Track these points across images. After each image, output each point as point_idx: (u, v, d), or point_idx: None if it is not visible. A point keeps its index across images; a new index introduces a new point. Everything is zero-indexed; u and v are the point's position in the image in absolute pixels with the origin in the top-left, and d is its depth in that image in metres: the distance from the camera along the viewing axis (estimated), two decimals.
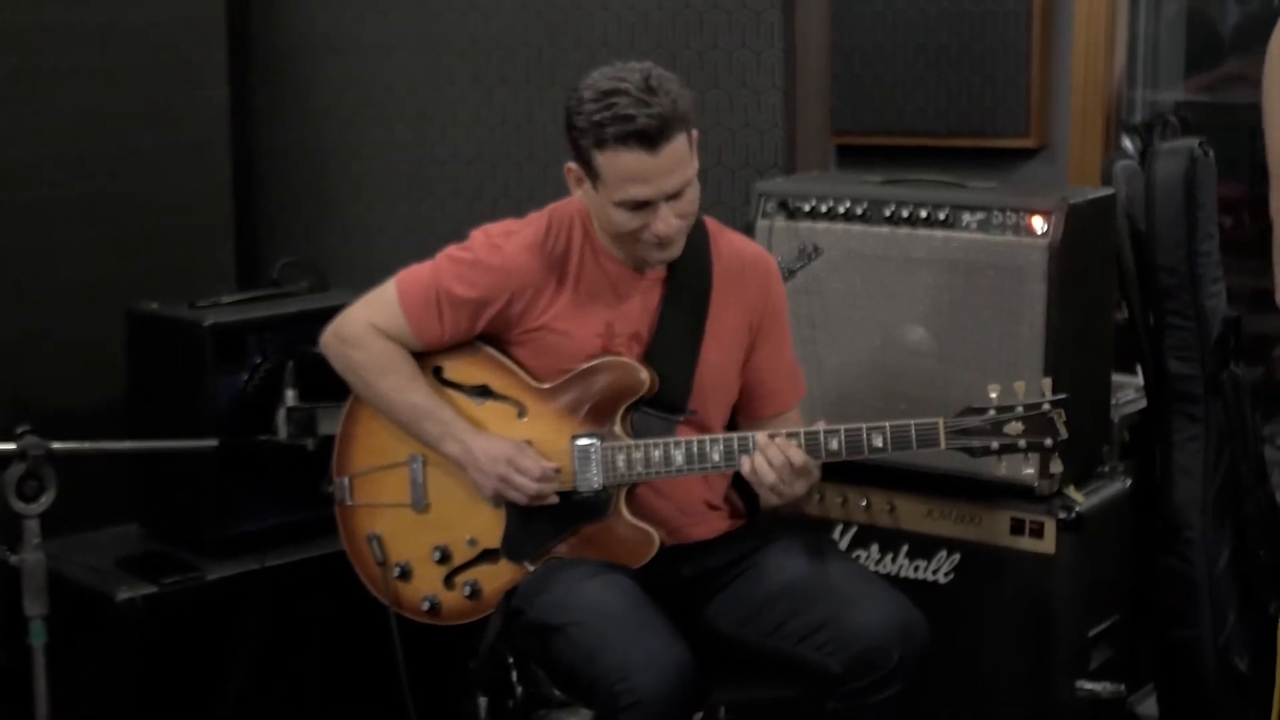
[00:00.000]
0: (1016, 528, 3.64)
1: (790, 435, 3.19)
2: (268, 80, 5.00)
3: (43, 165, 4.34)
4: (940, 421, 3.15)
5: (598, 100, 3.10)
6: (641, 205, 3.13)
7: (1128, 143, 4.55)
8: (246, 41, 4.98)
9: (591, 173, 3.16)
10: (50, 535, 3.52)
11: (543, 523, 3.30)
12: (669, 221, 3.14)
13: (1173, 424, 3.94)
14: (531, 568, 3.30)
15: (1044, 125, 4.46)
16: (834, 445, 3.19)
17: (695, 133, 3.19)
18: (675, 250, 3.24)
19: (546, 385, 3.32)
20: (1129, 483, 3.83)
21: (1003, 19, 4.40)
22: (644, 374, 3.27)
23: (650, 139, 3.07)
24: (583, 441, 3.27)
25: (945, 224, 3.67)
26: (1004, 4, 4.39)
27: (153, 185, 4.64)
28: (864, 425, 3.18)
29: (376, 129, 4.87)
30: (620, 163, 3.10)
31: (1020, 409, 3.15)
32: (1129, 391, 4.05)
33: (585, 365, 3.29)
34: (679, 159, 3.12)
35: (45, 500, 3.46)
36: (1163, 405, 3.95)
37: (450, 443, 3.31)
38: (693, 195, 3.18)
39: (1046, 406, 3.14)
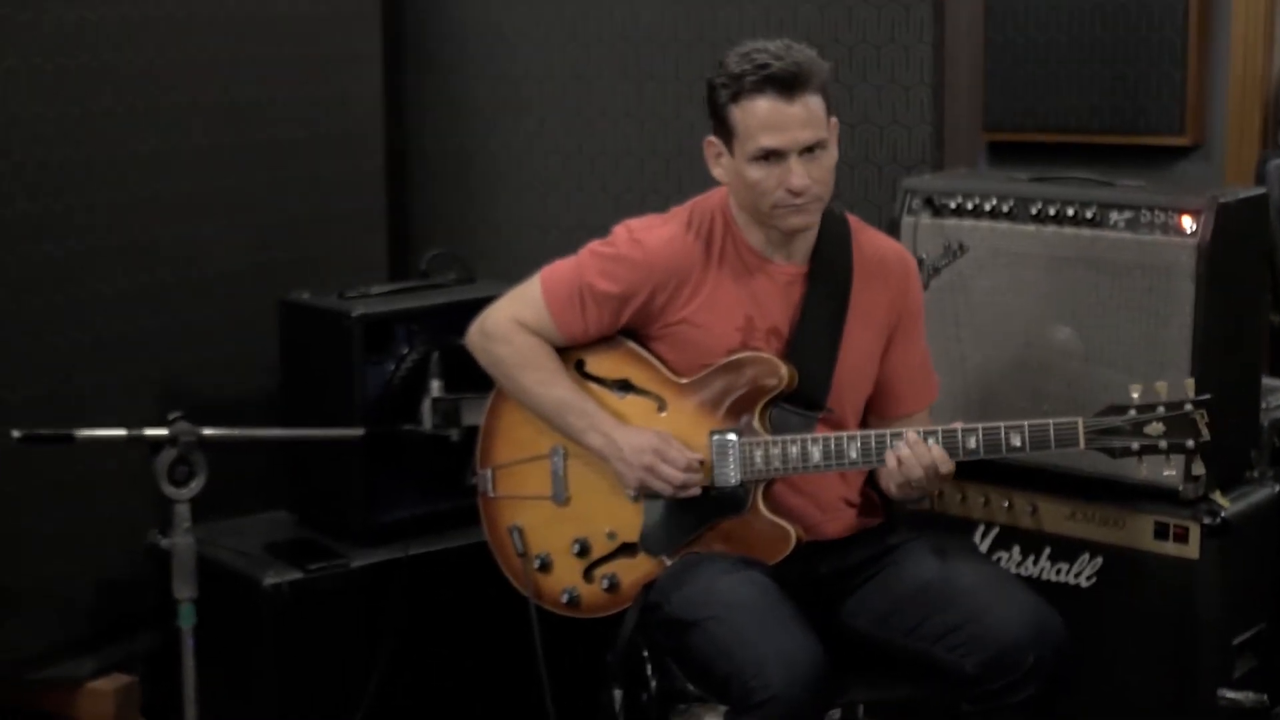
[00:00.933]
0: (1160, 532, 3.58)
1: (929, 433, 3.19)
2: (421, 72, 5.06)
3: (196, 155, 4.41)
4: (1079, 421, 3.13)
5: (737, 60, 3.19)
6: (774, 157, 3.17)
7: None
8: (401, 33, 5.04)
9: (728, 134, 3.22)
10: (201, 520, 3.58)
11: (681, 517, 3.32)
12: (801, 175, 3.17)
13: None
14: (669, 562, 3.32)
15: (1200, 122, 4.41)
16: (972, 444, 3.18)
17: (836, 120, 3.23)
18: (810, 217, 3.25)
19: (686, 380, 3.34)
20: (1277, 488, 3.76)
21: (1159, 13, 4.36)
22: (784, 369, 3.28)
23: (785, 84, 3.14)
24: (721, 437, 3.28)
25: (1093, 222, 3.63)
26: None
27: (307, 175, 4.70)
28: (1002, 424, 3.17)
29: (527, 122, 4.91)
30: (755, 109, 3.16)
31: (1162, 409, 3.11)
32: None
33: (725, 360, 3.30)
34: (813, 116, 3.17)
35: (195, 485, 3.52)
36: None
37: (594, 435, 3.34)
38: (827, 162, 3.22)
39: (1189, 407, 3.11)
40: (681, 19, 4.61)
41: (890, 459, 3.18)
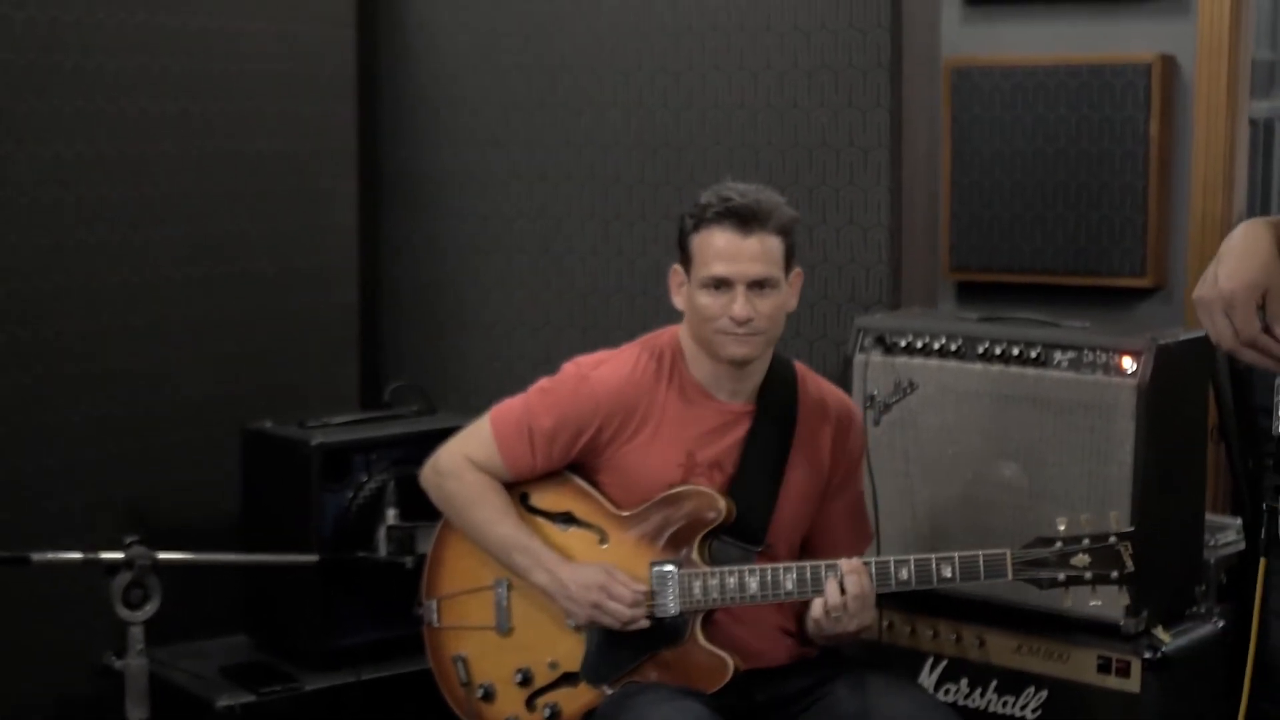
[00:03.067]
0: (1103, 666, 3.62)
1: (864, 563, 3.24)
2: (395, 209, 5.15)
3: (170, 286, 4.48)
4: (1008, 552, 3.21)
5: (710, 193, 3.34)
6: (724, 285, 3.27)
7: None
8: (377, 171, 5.13)
9: (688, 261, 3.34)
10: (162, 642, 3.64)
11: (622, 647, 3.36)
12: (744, 305, 3.27)
13: (1272, 566, 3.89)
14: (610, 691, 3.36)
15: (1161, 265, 4.47)
16: (904, 575, 3.24)
17: (799, 270, 3.36)
18: (750, 349, 3.33)
19: (627, 513, 3.40)
20: (1221, 624, 3.78)
21: (1120, 159, 4.43)
22: (722, 503, 3.34)
23: (743, 220, 3.27)
24: (660, 568, 3.33)
25: (1037, 362, 3.70)
26: (1122, 144, 4.42)
27: (280, 307, 4.77)
28: (933, 556, 3.25)
29: (496, 259, 4.99)
30: (711, 240, 3.29)
31: (1087, 541, 3.19)
32: (1230, 533, 4.01)
33: (666, 493, 3.37)
34: (767, 253, 3.29)
35: (150, 608, 3.56)
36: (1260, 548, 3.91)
37: (540, 573, 3.39)
38: (776, 300, 3.31)
39: (1113, 539, 3.18)
40: (648, 161, 4.70)
41: (830, 587, 3.23)
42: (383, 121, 5.12)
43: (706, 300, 3.29)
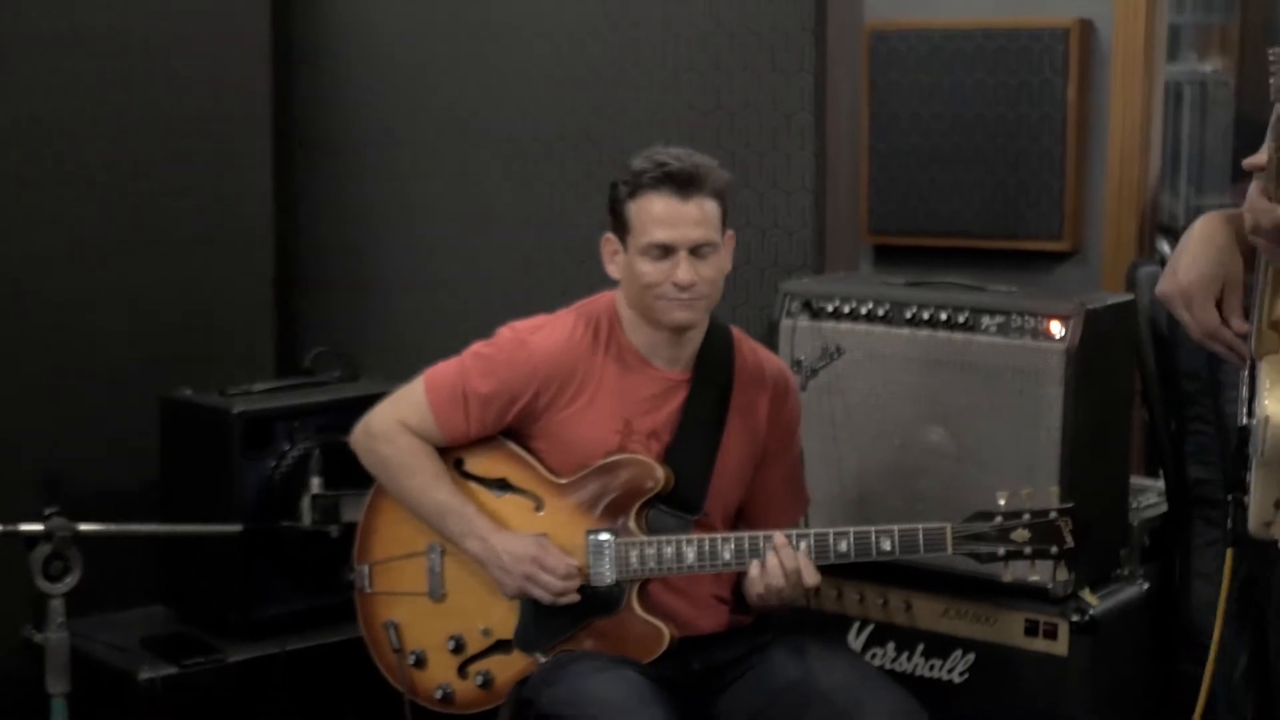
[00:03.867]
0: (1030, 629, 3.64)
1: (801, 536, 3.24)
2: (311, 171, 5.09)
3: (83, 252, 4.42)
4: (948, 527, 3.20)
5: (642, 159, 3.28)
6: (665, 253, 3.23)
7: (1165, 246, 4.59)
8: (290, 132, 5.07)
9: (623, 229, 3.29)
10: (79, 614, 3.58)
11: (556, 616, 3.34)
12: (687, 271, 3.23)
13: (1193, 529, 3.94)
14: (543, 659, 3.34)
15: (1078, 229, 4.49)
16: (843, 547, 3.24)
17: (732, 232, 3.32)
18: (694, 314, 3.30)
19: (564, 480, 3.37)
20: (1146, 587, 3.82)
21: (1038, 123, 4.45)
22: (660, 472, 3.32)
23: (681, 184, 3.22)
24: (596, 537, 3.31)
25: (965, 327, 3.70)
26: (1040, 108, 4.43)
27: (195, 273, 4.71)
28: (873, 529, 3.23)
29: (416, 221, 4.93)
30: (650, 206, 3.24)
31: (1027, 516, 3.19)
32: (1151, 495, 4.05)
33: (603, 461, 3.34)
34: (706, 217, 3.25)
35: (70, 580, 3.51)
36: (1183, 510, 3.96)
37: (472, 540, 3.36)
38: (717, 264, 3.28)
39: (1054, 515, 3.18)
40: (569, 120, 4.66)
41: (754, 566, 3.22)
42: (297, 83, 5.06)
43: (647, 268, 3.25)
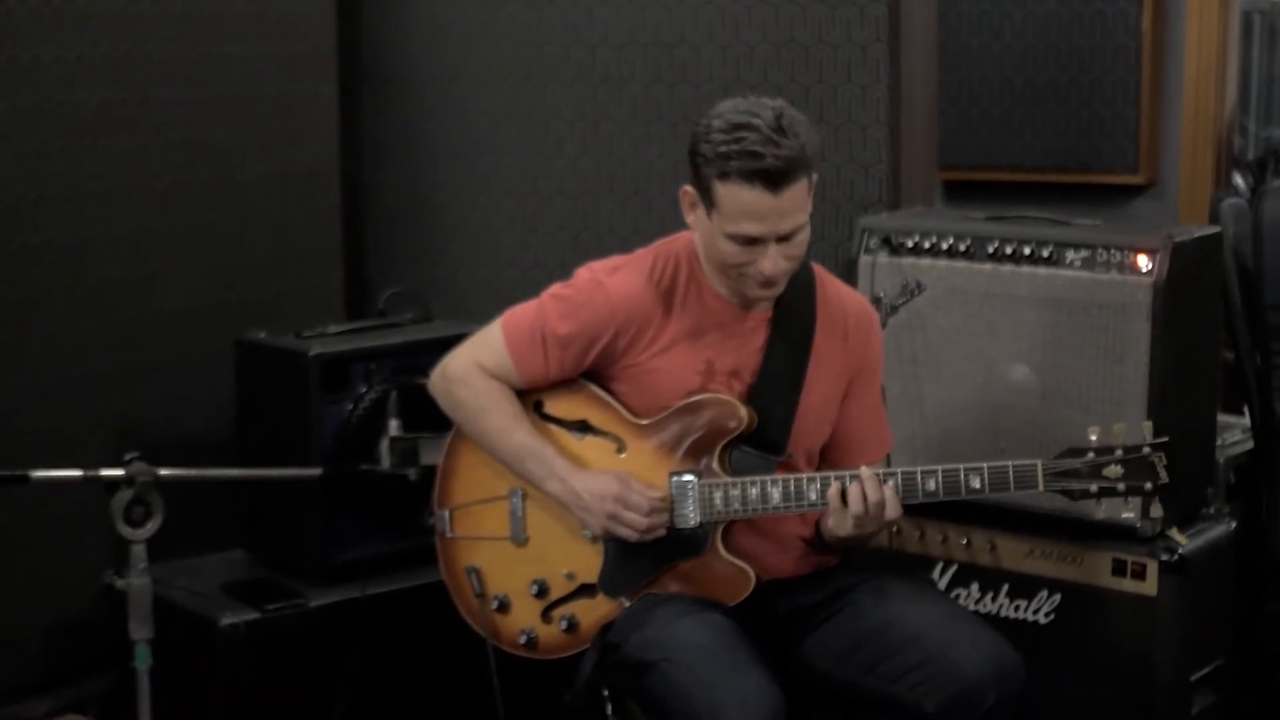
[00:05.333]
0: (1118, 569, 3.60)
1: (888, 475, 3.20)
2: (378, 113, 5.06)
3: (152, 195, 4.40)
4: (1039, 463, 3.15)
5: (727, 132, 3.11)
6: (752, 241, 3.14)
7: (1239, 179, 4.53)
8: (357, 73, 5.03)
9: (708, 200, 3.17)
10: (158, 560, 3.57)
11: (640, 558, 3.31)
12: (776, 262, 3.15)
13: (1279, 465, 3.90)
14: (628, 603, 3.31)
15: (1153, 161, 4.44)
16: (931, 486, 3.19)
17: (815, 176, 3.20)
18: (777, 290, 3.25)
19: (645, 421, 3.33)
20: (1234, 525, 3.78)
21: (1111, 54, 4.39)
22: (743, 411, 3.28)
23: (773, 179, 3.08)
24: (680, 478, 3.28)
25: (1049, 261, 3.65)
26: (1113, 39, 4.37)
27: (263, 215, 4.70)
28: (961, 466, 3.18)
29: (483, 162, 4.90)
30: (740, 197, 3.11)
31: (1120, 452, 3.13)
32: (1236, 432, 4.00)
33: (684, 401, 3.30)
34: (797, 202, 3.13)
35: (152, 526, 3.50)
36: (1269, 446, 3.91)
37: (553, 482, 3.33)
38: (803, 239, 3.19)
39: (1147, 450, 3.12)
40: (638, 60, 4.61)
41: (834, 499, 3.18)
42: (364, 20, 5.02)
43: (731, 249, 3.17)
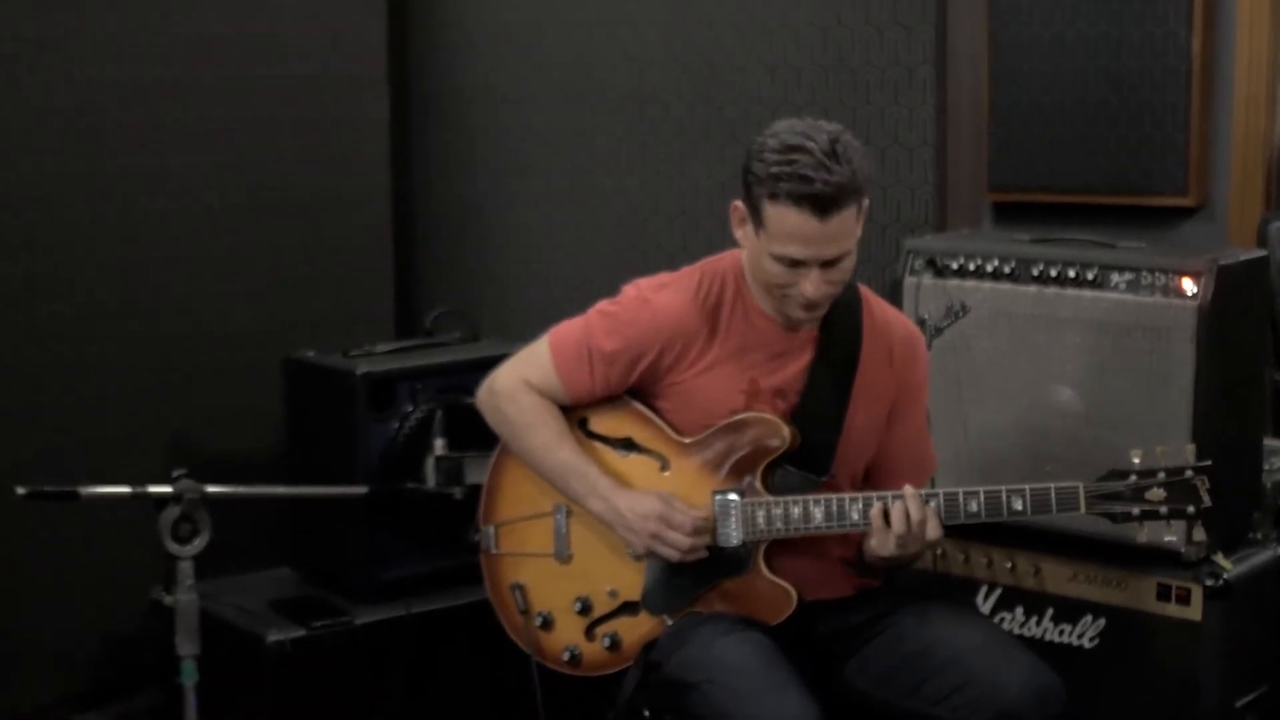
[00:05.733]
0: (1163, 593, 3.58)
1: (930, 495, 3.20)
2: (427, 132, 5.09)
3: (204, 214, 4.47)
4: (1080, 486, 3.14)
5: (780, 153, 3.11)
6: (796, 263, 3.15)
7: None
8: (408, 95, 5.08)
9: (757, 218, 3.18)
10: (207, 576, 3.62)
11: (683, 577, 3.32)
12: (818, 286, 3.16)
13: None
14: (670, 621, 3.32)
15: (1203, 183, 4.41)
16: (973, 507, 3.19)
17: (866, 202, 3.20)
18: (819, 313, 3.26)
19: (689, 439, 3.34)
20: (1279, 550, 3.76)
21: (1161, 76, 4.37)
22: (786, 431, 3.28)
23: (822, 205, 3.08)
24: (723, 497, 3.29)
25: (1094, 284, 3.65)
26: (1163, 60, 4.35)
27: (314, 234, 4.76)
28: (1004, 488, 3.18)
29: (532, 181, 4.94)
30: (787, 219, 3.11)
31: (1163, 475, 3.13)
32: None
33: (728, 420, 3.31)
34: (845, 229, 3.13)
35: (199, 543, 3.54)
36: None
37: (595, 500, 3.34)
38: (847, 265, 3.19)
39: (1190, 473, 3.12)
40: (685, 80, 4.64)
41: (877, 519, 3.19)
42: (414, 41, 5.06)
43: (776, 269, 3.17)
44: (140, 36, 4.25)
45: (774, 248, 3.15)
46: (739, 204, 3.24)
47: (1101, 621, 3.66)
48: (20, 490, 3.56)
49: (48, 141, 4.05)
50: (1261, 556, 3.70)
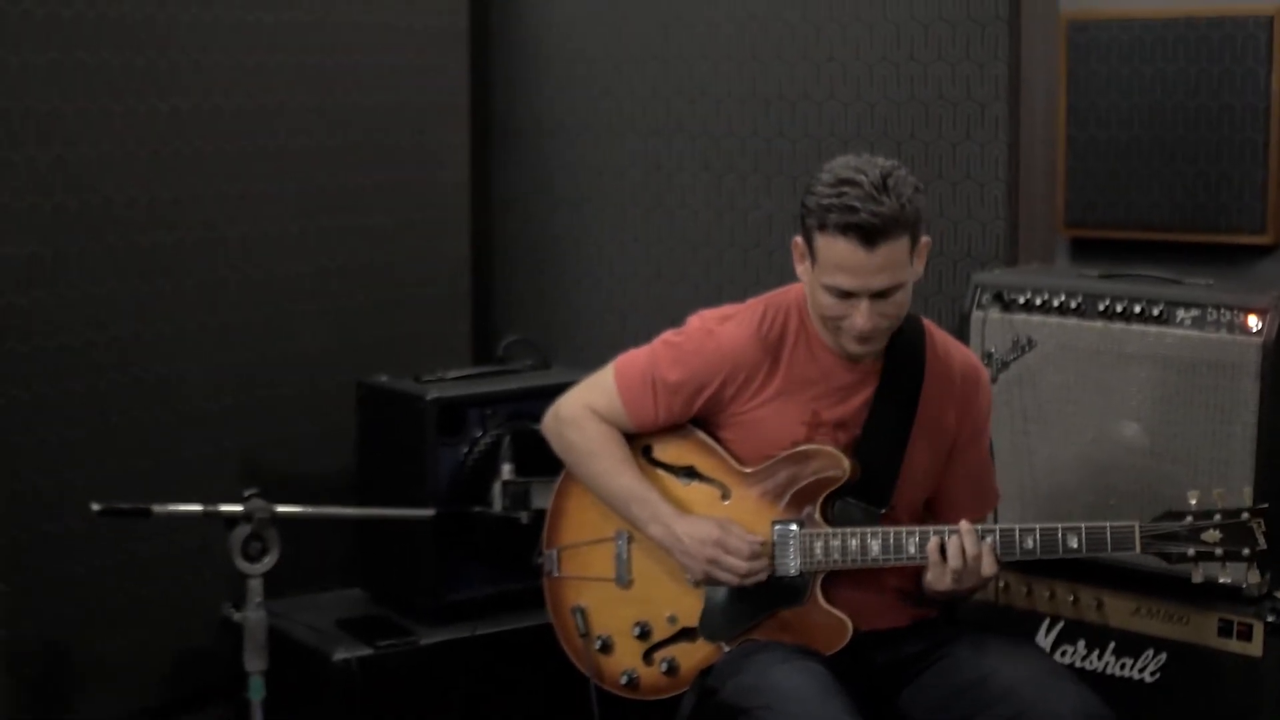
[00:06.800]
0: (1224, 629, 3.58)
1: (987, 531, 3.22)
2: (506, 161, 5.16)
3: (285, 240, 4.53)
4: (1136, 526, 3.16)
5: (832, 185, 3.16)
6: (846, 295, 3.18)
7: None
8: (488, 124, 5.14)
9: (811, 251, 3.22)
10: (279, 595, 3.68)
11: (741, 604, 3.35)
12: (868, 318, 3.19)
13: None
14: (727, 648, 3.35)
15: None
16: (1029, 544, 3.21)
17: (926, 239, 3.24)
18: (874, 346, 3.28)
19: (750, 469, 3.38)
20: None
21: (1240, 114, 4.36)
22: (846, 463, 3.31)
23: (868, 235, 3.12)
24: (783, 527, 3.32)
25: (1160, 320, 3.66)
26: (1241, 98, 4.34)
27: (394, 260, 4.81)
28: (1060, 525, 3.20)
29: (608, 212, 4.98)
30: (834, 249, 3.15)
31: (1219, 516, 3.14)
32: None
33: (790, 451, 3.34)
34: (894, 261, 3.16)
35: (268, 561, 3.60)
36: None
37: (655, 526, 3.38)
38: (900, 299, 3.22)
39: (1245, 515, 3.13)
40: (761, 115, 4.68)
41: (934, 552, 3.21)
42: (495, 73, 5.13)
43: (828, 300, 3.21)
44: (223, 65, 4.32)
45: (824, 278, 3.19)
46: (798, 239, 3.29)
47: (1163, 656, 3.66)
48: (95, 507, 3.63)
49: (130, 167, 4.12)
50: None
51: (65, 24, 3.96)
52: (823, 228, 3.16)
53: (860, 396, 3.36)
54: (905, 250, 3.17)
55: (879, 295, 3.18)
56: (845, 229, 3.12)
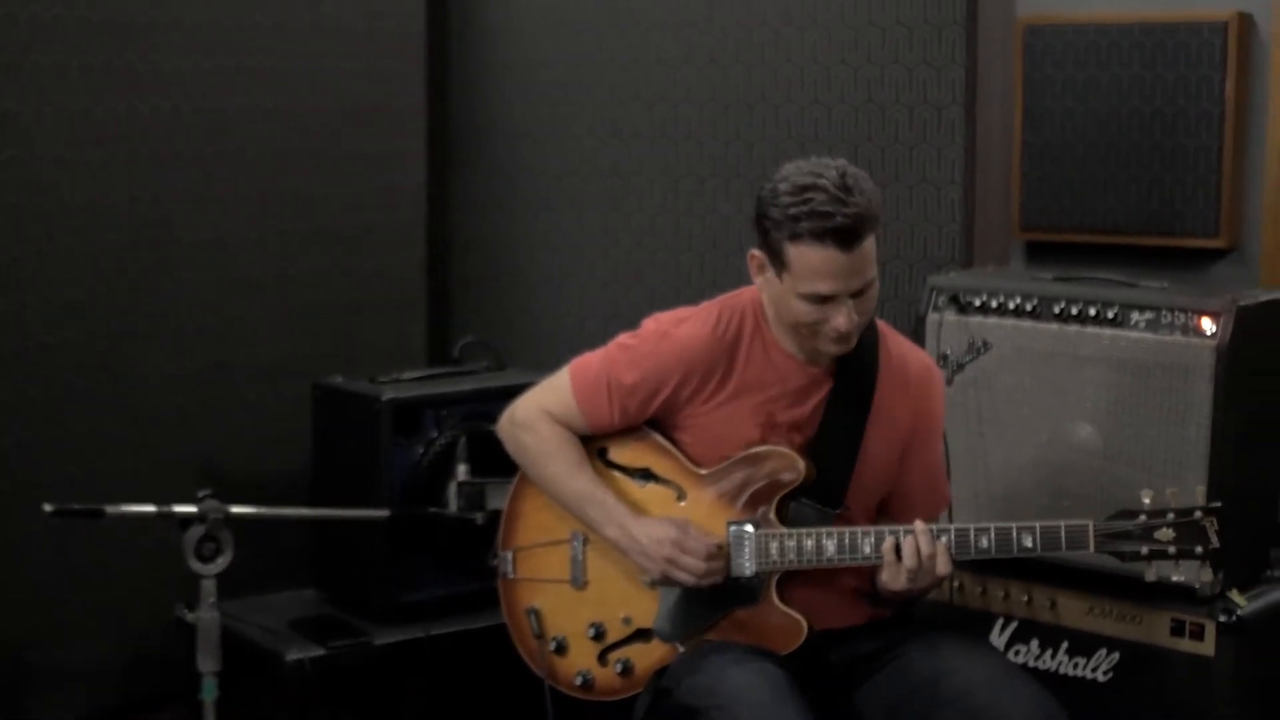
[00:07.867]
0: (1177, 629, 3.60)
1: (942, 531, 3.22)
2: (462, 166, 5.16)
3: (243, 244, 4.53)
4: (1090, 524, 3.17)
5: (794, 194, 3.14)
6: (825, 299, 3.18)
7: None
8: (444, 129, 5.14)
9: (778, 263, 3.21)
10: (230, 596, 3.65)
11: (696, 605, 3.35)
12: (850, 318, 3.19)
13: None
14: (682, 648, 3.35)
15: (1235, 226, 4.42)
16: (984, 543, 3.21)
17: (881, 230, 3.23)
18: (850, 345, 3.29)
19: (705, 471, 3.38)
20: None
21: (1195, 119, 4.38)
22: (801, 464, 3.31)
23: (845, 237, 3.11)
24: (738, 528, 3.32)
25: (1114, 322, 3.67)
26: (1197, 104, 4.37)
27: (350, 265, 4.82)
28: (1014, 525, 3.20)
29: (564, 216, 4.99)
30: (812, 258, 3.14)
31: (1172, 515, 3.15)
32: None
33: (745, 453, 3.34)
34: (867, 258, 3.17)
35: (222, 561, 3.58)
36: None
37: (611, 528, 3.38)
38: (874, 292, 3.23)
39: (1198, 514, 3.14)
40: (718, 118, 4.69)
41: (888, 552, 3.21)
42: (452, 77, 5.13)
43: (806, 309, 3.20)
44: (181, 68, 4.32)
45: (801, 287, 3.18)
46: (756, 252, 3.27)
47: (1116, 655, 3.68)
48: (47, 508, 3.59)
49: (87, 169, 4.11)
50: (1277, 594, 3.71)
51: (22, 25, 3.95)
52: (795, 238, 3.15)
53: (815, 398, 3.37)
54: (874, 246, 3.19)
55: (856, 294, 3.19)
56: (821, 235, 3.12)
